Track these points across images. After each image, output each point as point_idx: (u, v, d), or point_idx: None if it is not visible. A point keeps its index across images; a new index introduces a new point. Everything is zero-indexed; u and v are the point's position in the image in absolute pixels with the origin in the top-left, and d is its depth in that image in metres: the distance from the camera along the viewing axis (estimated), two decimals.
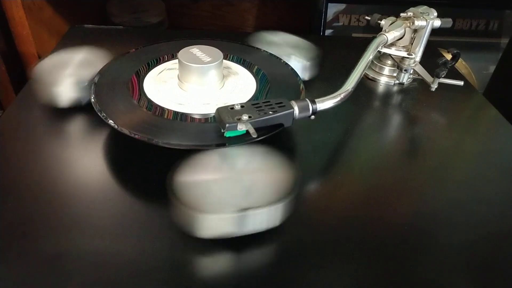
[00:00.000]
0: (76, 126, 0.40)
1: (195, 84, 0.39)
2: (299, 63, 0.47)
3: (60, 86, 0.39)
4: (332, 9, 0.83)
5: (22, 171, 0.34)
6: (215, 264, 0.28)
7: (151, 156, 0.36)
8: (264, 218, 0.28)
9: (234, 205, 0.26)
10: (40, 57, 0.67)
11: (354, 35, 0.85)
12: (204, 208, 0.26)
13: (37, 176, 0.33)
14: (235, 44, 0.48)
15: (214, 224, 0.27)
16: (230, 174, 0.29)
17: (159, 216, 0.31)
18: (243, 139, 0.33)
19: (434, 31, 0.48)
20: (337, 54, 0.57)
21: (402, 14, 0.49)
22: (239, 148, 0.32)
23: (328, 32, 0.85)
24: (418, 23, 0.47)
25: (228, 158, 0.30)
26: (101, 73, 0.40)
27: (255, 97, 0.40)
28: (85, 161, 0.36)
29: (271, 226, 0.28)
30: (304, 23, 0.99)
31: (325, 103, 0.36)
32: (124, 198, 0.33)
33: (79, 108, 0.40)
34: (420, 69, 0.49)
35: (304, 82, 0.42)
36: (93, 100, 0.36)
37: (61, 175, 0.34)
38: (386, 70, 0.53)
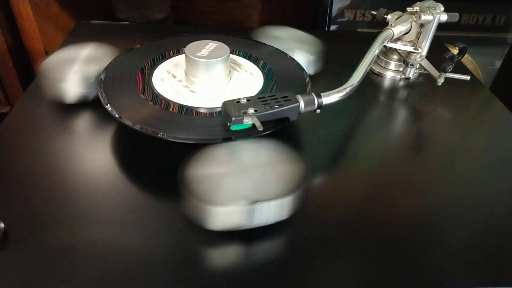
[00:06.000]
0: (84, 121, 0.40)
1: (201, 78, 0.39)
2: (304, 58, 0.46)
3: (67, 82, 0.39)
4: (337, 4, 0.83)
5: (30, 166, 0.34)
6: (224, 257, 0.28)
7: (158, 149, 0.37)
8: (273, 212, 0.28)
9: (244, 198, 0.27)
10: (47, 53, 0.68)
11: (359, 30, 0.85)
12: (214, 200, 0.26)
13: (45, 170, 0.34)
14: (241, 39, 0.48)
15: (223, 216, 0.27)
16: (240, 167, 0.29)
17: (166, 209, 0.32)
18: (249, 133, 0.33)
19: (440, 26, 0.48)
20: (342, 49, 0.57)
21: (408, 9, 0.49)
22: (248, 142, 0.32)
23: (333, 27, 0.84)
24: (425, 17, 0.46)
25: (237, 152, 0.31)
26: (108, 68, 0.40)
27: (261, 91, 0.40)
28: (93, 155, 0.36)
29: (279, 219, 0.29)
30: (309, 18, 0.99)
31: (331, 97, 0.36)
32: (132, 192, 0.33)
33: (86, 104, 0.40)
34: (426, 64, 0.49)
35: (310, 76, 0.42)
36: (100, 94, 0.36)
37: (69, 170, 0.34)
38: (392, 65, 0.53)
